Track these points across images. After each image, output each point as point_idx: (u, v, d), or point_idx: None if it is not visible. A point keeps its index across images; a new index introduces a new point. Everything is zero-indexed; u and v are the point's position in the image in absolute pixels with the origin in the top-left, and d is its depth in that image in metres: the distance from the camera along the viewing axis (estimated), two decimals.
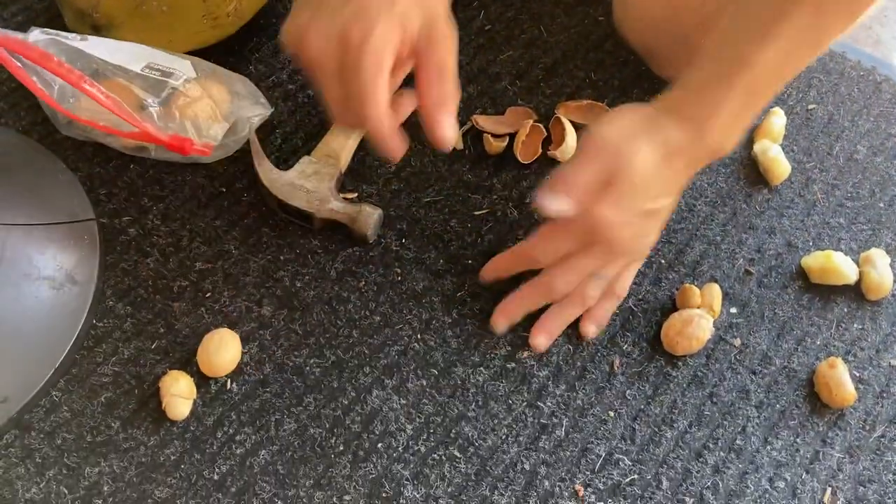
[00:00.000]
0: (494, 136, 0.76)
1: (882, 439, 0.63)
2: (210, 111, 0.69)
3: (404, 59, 0.55)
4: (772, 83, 0.59)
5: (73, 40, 0.68)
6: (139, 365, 0.63)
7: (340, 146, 0.72)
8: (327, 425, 0.61)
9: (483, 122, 0.77)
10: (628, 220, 0.60)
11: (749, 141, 0.78)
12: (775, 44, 0.56)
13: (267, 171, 0.70)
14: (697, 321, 0.65)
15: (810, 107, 0.82)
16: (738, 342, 0.67)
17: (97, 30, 0.73)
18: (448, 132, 0.55)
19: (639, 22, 0.79)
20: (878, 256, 0.70)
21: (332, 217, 0.68)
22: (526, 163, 0.75)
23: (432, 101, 0.55)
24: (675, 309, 0.68)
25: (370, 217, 0.68)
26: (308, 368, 0.64)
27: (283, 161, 0.74)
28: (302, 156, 0.72)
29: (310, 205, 0.68)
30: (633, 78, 0.82)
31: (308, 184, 0.69)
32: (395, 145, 0.56)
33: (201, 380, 0.62)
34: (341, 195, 0.71)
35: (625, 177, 0.58)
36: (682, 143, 0.59)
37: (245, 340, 0.64)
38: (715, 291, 0.68)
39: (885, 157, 0.79)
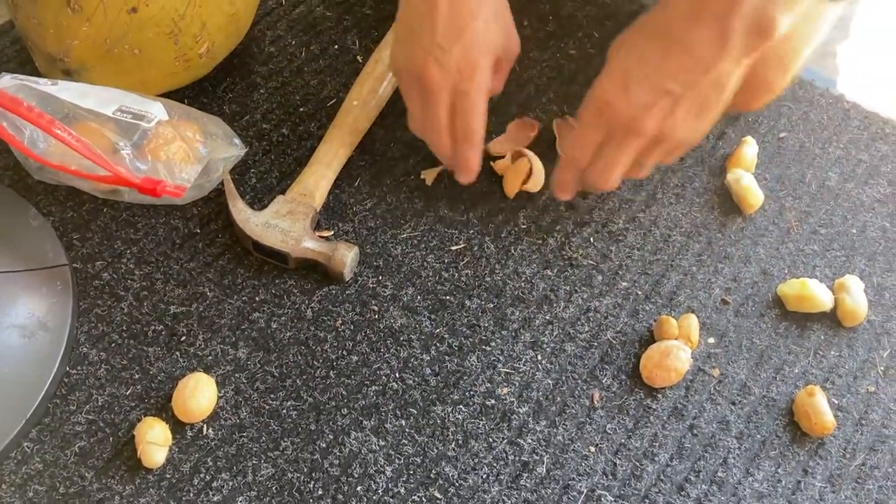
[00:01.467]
0: (494, 158, 0.78)
1: (863, 467, 0.63)
2: (183, 153, 0.69)
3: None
4: None
5: (44, 85, 0.68)
6: (113, 412, 0.62)
7: (315, 185, 0.72)
8: (305, 469, 0.60)
9: (496, 148, 0.78)
10: (642, 99, 0.59)
11: (721, 170, 0.79)
12: None
13: (240, 212, 0.69)
14: (676, 353, 0.65)
15: (781, 135, 0.83)
16: (716, 372, 0.67)
17: (69, 74, 0.73)
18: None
19: None
20: (852, 283, 0.71)
21: (307, 256, 0.68)
22: (510, 197, 0.76)
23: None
24: (653, 341, 0.68)
25: (346, 255, 0.68)
26: (285, 411, 0.63)
27: (258, 201, 0.74)
28: (276, 195, 0.72)
29: (285, 244, 0.68)
30: None
31: (283, 223, 0.69)
32: (478, 160, 0.70)
33: (177, 426, 0.62)
34: (317, 234, 0.71)
35: (629, 57, 0.60)
36: (710, 13, 0.56)
37: (221, 384, 0.64)
38: (692, 322, 0.68)
39: (855, 184, 0.80)
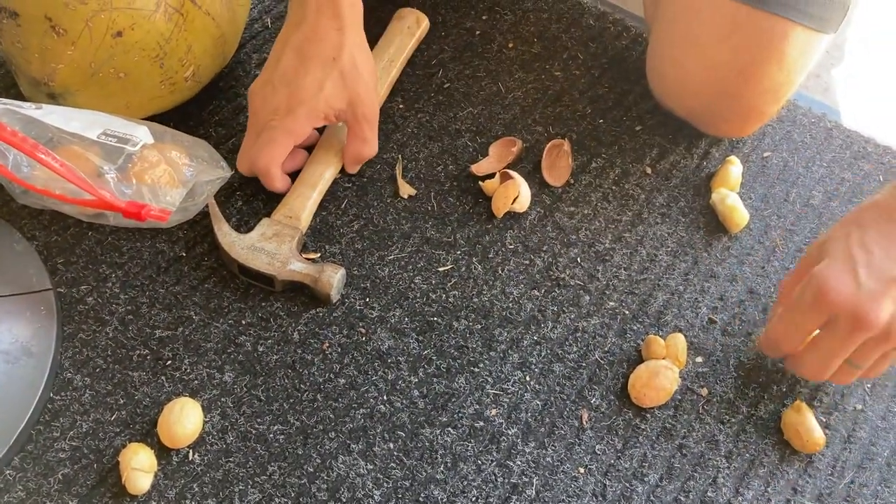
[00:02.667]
0: (482, 178, 0.78)
1: (851, 486, 0.63)
2: (168, 177, 0.69)
3: (333, 120, 0.73)
4: None
5: (28, 109, 0.68)
6: (98, 438, 0.61)
7: (301, 206, 0.72)
8: (293, 494, 0.60)
9: (478, 169, 0.79)
10: (870, 286, 0.55)
11: (706, 190, 0.80)
12: None
13: (226, 235, 0.69)
14: (664, 372, 0.65)
15: (765, 154, 0.83)
16: (704, 391, 0.67)
17: (53, 98, 0.73)
18: (353, 171, 0.78)
19: (678, 86, 0.80)
20: None
21: (294, 279, 0.68)
22: (498, 217, 0.76)
23: (351, 159, 0.76)
24: (641, 360, 0.68)
25: (332, 277, 0.67)
26: (272, 436, 0.62)
27: (244, 224, 0.74)
28: (262, 218, 0.71)
29: (271, 267, 0.68)
30: (591, 130, 0.84)
31: (269, 246, 0.69)
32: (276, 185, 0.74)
33: (162, 451, 0.61)
34: (303, 256, 0.71)
35: (851, 242, 0.57)
36: None
37: (207, 409, 0.63)
38: (680, 341, 0.68)
39: (839, 202, 0.80)
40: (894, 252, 0.56)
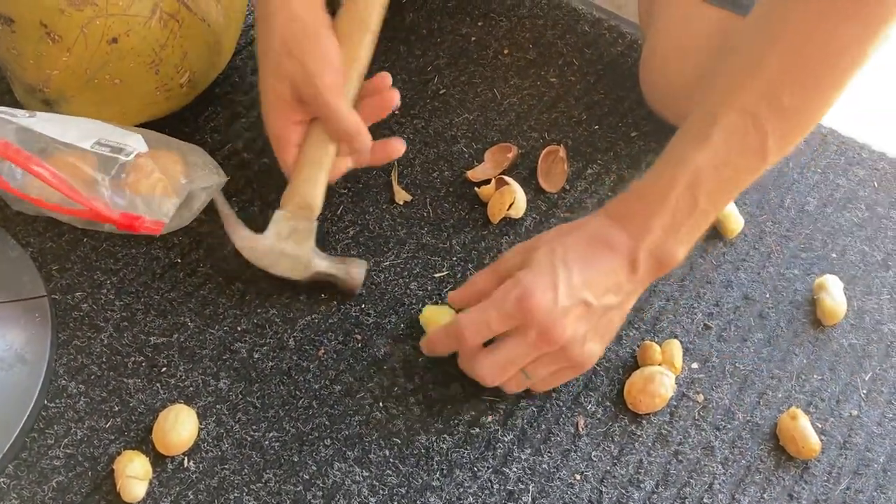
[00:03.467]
0: (478, 184, 0.78)
1: (847, 492, 0.63)
2: (162, 186, 0.69)
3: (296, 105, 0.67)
4: (714, 188, 0.59)
5: (21, 118, 0.68)
6: (92, 446, 0.61)
7: (311, 193, 0.68)
8: (288, 502, 0.60)
9: (474, 175, 0.79)
10: (564, 303, 0.58)
11: None
12: (709, 146, 0.58)
13: (243, 240, 0.68)
14: (659, 378, 0.65)
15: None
16: (700, 398, 0.67)
17: (48, 104, 0.73)
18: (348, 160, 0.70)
19: (670, 94, 0.80)
20: (832, 282, 0.72)
21: (319, 279, 0.68)
22: (494, 223, 0.76)
23: (342, 140, 0.68)
24: (636, 366, 0.68)
25: (360, 271, 0.68)
26: (267, 443, 0.62)
27: None
28: (258, 223, 0.71)
29: (295, 272, 0.67)
30: (586, 136, 0.84)
31: (287, 247, 0.67)
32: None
33: (157, 458, 0.61)
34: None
35: (556, 258, 0.59)
36: (622, 241, 0.60)
37: (202, 416, 0.63)
38: (675, 347, 0.68)
39: (834, 208, 0.80)
40: (588, 275, 0.59)
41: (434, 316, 0.67)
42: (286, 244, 0.67)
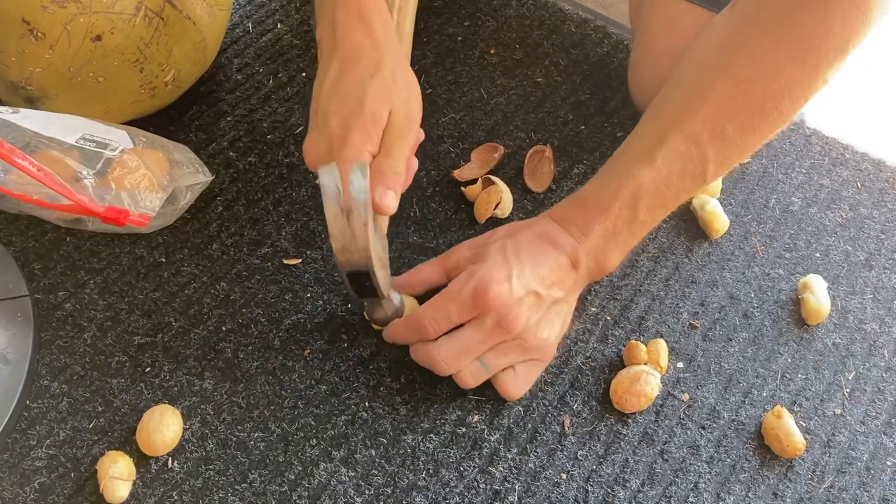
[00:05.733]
0: (465, 184, 0.78)
1: (831, 490, 0.63)
2: (147, 181, 0.68)
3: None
4: (654, 203, 0.62)
5: (4, 113, 0.67)
6: (75, 446, 0.61)
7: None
8: (274, 502, 0.59)
9: (461, 174, 0.79)
10: (518, 294, 0.61)
11: None
12: (654, 164, 0.61)
13: (371, 236, 0.58)
14: (645, 378, 0.65)
15: (745, 161, 0.84)
16: (686, 397, 0.67)
17: (31, 102, 0.72)
18: (378, 196, 0.61)
19: (657, 91, 0.79)
20: (816, 282, 0.73)
21: (384, 313, 0.65)
22: (480, 222, 0.76)
23: (374, 172, 0.60)
24: (622, 366, 0.68)
25: (395, 306, 0.65)
26: (252, 443, 0.62)
27: (225, 229, 0.73)
28: (243, 222, 0.71)
29: (386, 287, 0.62)
30: (572, 136, 0.84)
31: (384, 258, 0.64)
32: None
33: (141, 459, 0.60)
34: (285, 261, 0.70)
35: (508, 252, 0.62)
36: (566, 241, 0.63)
37: (186, 416, 0.62)
38: (661, 347, 0.68)
39: (818, 208, 0.81)
40: (537, 268, 0.62)
41: None
42: (384, 255, 0.65)
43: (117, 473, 0.58)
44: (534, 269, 0.62)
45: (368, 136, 0.60)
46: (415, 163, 0.66)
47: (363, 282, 0.60)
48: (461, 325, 0.62)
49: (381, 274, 0.61)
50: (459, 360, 0.62)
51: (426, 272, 0.67)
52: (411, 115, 0.63)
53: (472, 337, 0.61)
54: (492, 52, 0.90)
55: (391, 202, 0.60)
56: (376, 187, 0.59)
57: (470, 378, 0.63)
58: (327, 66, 0.63)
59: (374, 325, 0.67)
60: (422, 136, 0.67)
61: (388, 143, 0.61)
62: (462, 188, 0.77)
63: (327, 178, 0.56)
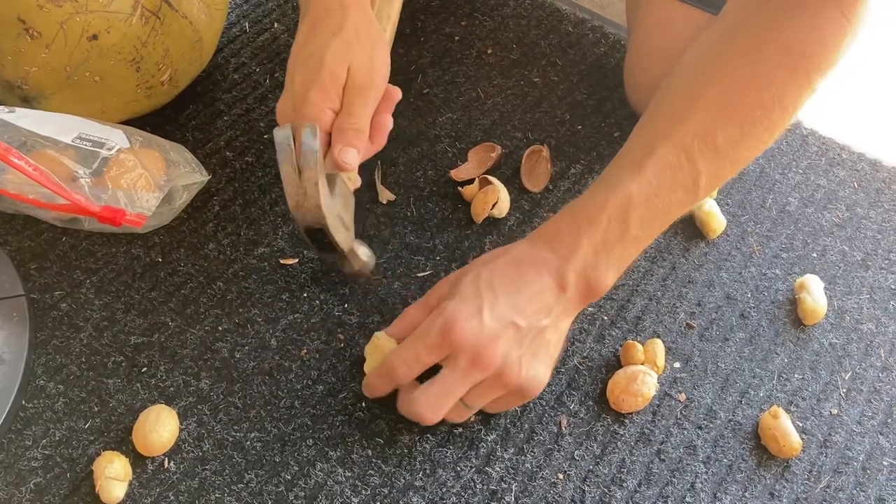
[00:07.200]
0: (462, 184, 0.77)
1: (827, 490, 0.63)
2: (144, 181, 0.68)
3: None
4: (646, 216, 0.59)
5: (1, 112, 0.67)
6: (71, 446, 0.60)
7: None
8: (270, 502, 0.59)
9: (458, 174, 0.79)
10: (490, 327, 0.57)
11: None
12: (644, 175, 0.59)
13: (325, 197, 0.60)
14: (642, 377, 0.65)
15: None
16: (682, 397, 0.67)
17: (27, 101, 0.72)
18: (336, 151, 0.62)
19: (652, 92, 0.79)
20: (812, 282, 0.73)
21: (351, 266, 0.67)
22: (478, 222, 0.76)
23: (335, 131, 0.63)
24: (619, 366, 0.68)
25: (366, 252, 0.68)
26: (249, 443, 0.62)
27: (222, 229, 0.73)
28: (240, 221, 0.70)
29: (346, 244, 0.64)
30: (569, 136, 0.84)
31: (346, 216, 0.64)
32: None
33: (137, 459, 0.60)
34: (282, 261, 0.70)
35: (481, 283, 0.59)
36: (550, 261, 0.59)
37: (183, 416, 0.62)
38: (658, 347, 0.68)
39: (815, 208, 0.81)
40: (516, 299, 0.58)
41: (380, 346, 0.64)
42: (345, 212, 0.65)
43: (113, 474, 0.58)
44: (510, 298, 0.58)
45: (327, 94, 0.62)
46: (389, 122, 0.66)
47: (321, 238, 0.61)
48: (440, 369, 0.59)
49: (341, 231, 0.62)
50: (441, 405, 0.59)
51: (412, 315, 0.64)
52: (374, 71, 0.64)
53: (450, 379, 0.58)
54: (489, 51, 0.90)
55: (350, 158, 0.61)
56: (336, 144, 0.61)
57: (456, 418, 0.62)
58: (299, 29, 0.66)
59: (349, 280, 0.69)
60: (397, 94, 0.67)
61: (349, 101, 0.63)
62: (459, 188, 0.77)
63: (281, 137, 0.58)
